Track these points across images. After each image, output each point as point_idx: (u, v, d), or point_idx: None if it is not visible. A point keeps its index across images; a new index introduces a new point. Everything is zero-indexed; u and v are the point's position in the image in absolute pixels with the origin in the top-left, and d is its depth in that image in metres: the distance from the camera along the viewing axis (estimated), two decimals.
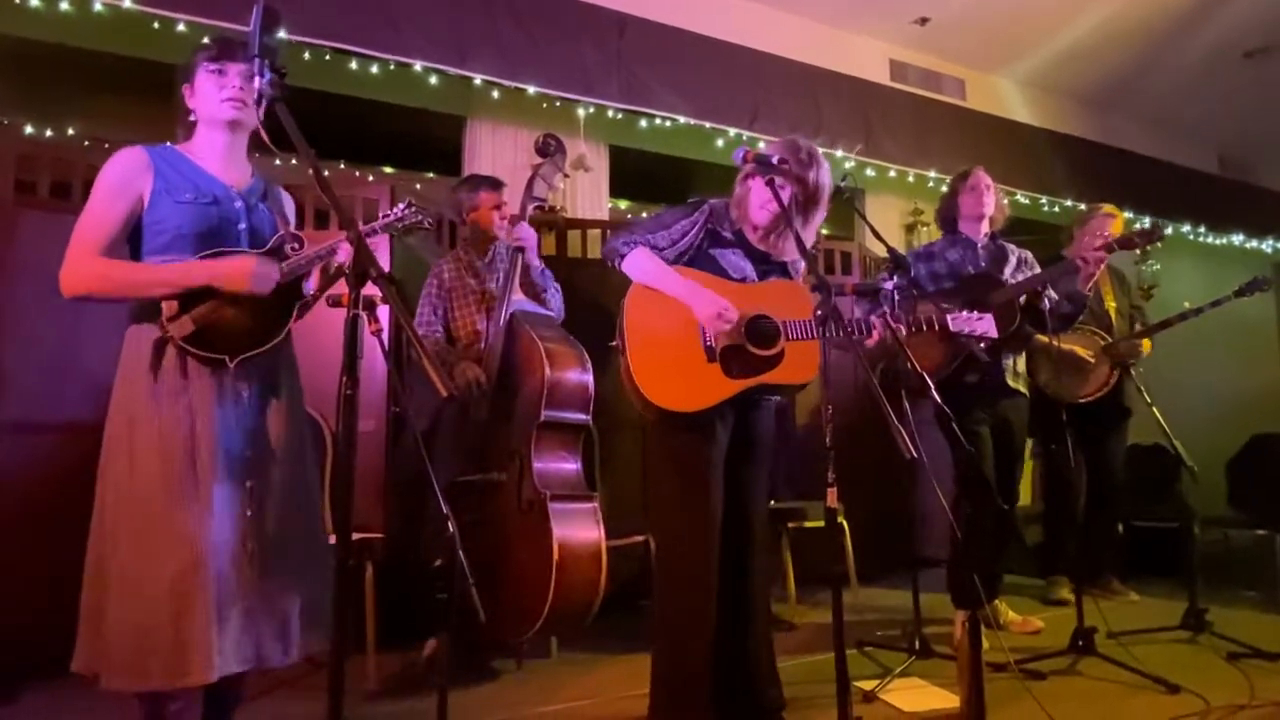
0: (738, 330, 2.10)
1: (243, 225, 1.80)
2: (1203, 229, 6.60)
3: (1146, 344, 3.60)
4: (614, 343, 2.14)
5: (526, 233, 2.93)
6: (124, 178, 1.73)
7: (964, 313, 2.20)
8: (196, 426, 1.67)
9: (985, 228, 3.15)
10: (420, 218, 1.82)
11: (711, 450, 2.12)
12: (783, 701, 2.19)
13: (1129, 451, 4.35)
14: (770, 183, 2.10)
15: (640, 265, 2.15)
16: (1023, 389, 3.09)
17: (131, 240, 1.76)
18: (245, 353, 1.71)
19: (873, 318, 2.16)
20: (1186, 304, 3.61)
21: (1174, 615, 3.07)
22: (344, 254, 1.80)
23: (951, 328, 2.15)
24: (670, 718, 2.07)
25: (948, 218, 3.23)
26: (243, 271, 1.70)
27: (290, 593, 1.73)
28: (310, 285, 1.85)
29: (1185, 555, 3.61)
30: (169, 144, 1.83)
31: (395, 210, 1.82)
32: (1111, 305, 3.75)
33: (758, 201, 2.18)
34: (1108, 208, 3.76)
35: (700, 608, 2.07)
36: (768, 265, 2.26)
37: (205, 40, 1.86)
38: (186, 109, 1.83)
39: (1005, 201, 3.25)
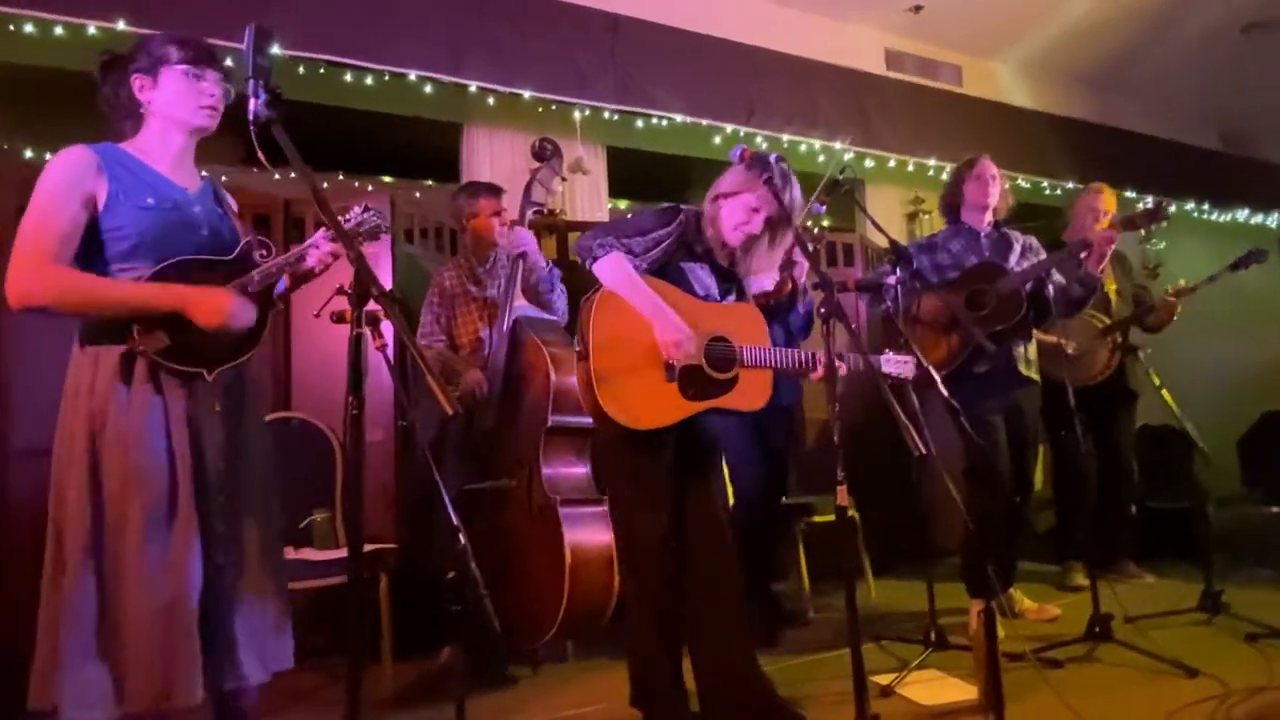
0: (697, 353, 2.11)
1: (204, 231, 1.73)
2: (1206, 206, 6.56)
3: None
4: (578, 347, 2.13)
5: (524, 236, 2.93)
6: (71, 178, 1.62)
7: (889, 354, 2.24)
8: (174, 444, 1.60)
9: (989, 217, 3.14)
10: (378, 221, 1.80)
11: (659, 464, 2.13)
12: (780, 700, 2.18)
13: (1140, 433, 4.33)
14: (769, 181, 2.09)
15: (612, 271, 2.12)
16: (1035, 376, 3.08)
17: (87, 247, 1.64)
18: (224, 364, 1.65)
19: (818, 354, 2.14)
20: (1183, 281, 3.60)
21: (1190, 597, 3.06)
22: (313, 258, 1.77)
23: (882, 368, 2.17)
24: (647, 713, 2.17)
25: (951, 205, 3.22)
26: (219, 310, 1.62)
27: (262, 607, 1.70)
28: (282, 285, 1.83)
29: (1200, 536, 3.58)
30: (112, 143, 1.73)
31: (353, 214, 1.78)
32: (1111, 287, 3.73)
33: (730, 223, 2.18)
34: (1096, 184, 3.75)
35: (651, 613, 2.14)
36: (729, 284, 2.29)
37: (176, 35, 1.76)
38: (134, 100, 1.72)
39: (1008, 188, 3.24)
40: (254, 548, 1.70)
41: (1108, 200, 3.64)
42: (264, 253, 1.75)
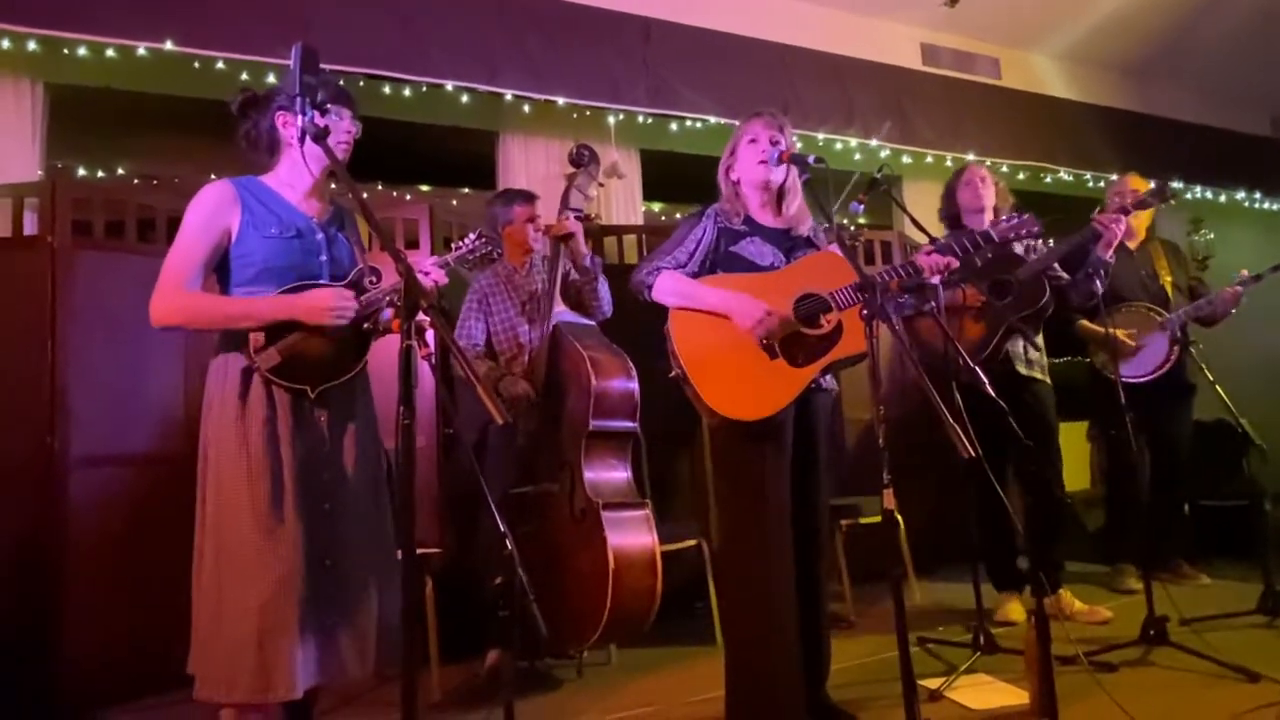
0: (788, 319, 2.08)
1: (324, 257, 1.88)
2: (1258, 195, 6.37)
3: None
4: (673, 373, 2.12)
5: (571, 223, 2.93)
6: (210, 213, 1.81)
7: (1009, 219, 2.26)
8: (282, 452, 1.75)
9: (989, 217, 3.15)
10: (490, 248, 1.87)
11: (782, 451, 2.11)
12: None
13: (1191, 428, 4.20)
14: (755, 114, 2.22)
15: (669, 289, 2.13)
16: (1038, 375, 3.10)
17: (221, 270, 1.85)
18: (326, 383, 1.80)
19: (914, 260, 2.18)
20: (1244, 272, 3.49)
21: (1248, 598, 2.98)
22: None
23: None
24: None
25: (950, 215, 3.28)
26: (321, 305, 1.77)
27: (366, 607, 1.82)
28: (387, 314, 1.93)
29: (1257, 534, 3.48)
30: (253, 176, 1.92)
31: (466, 242, 1.87)
32: (1167, 280, 3.63)
33: (751, 168, 2.21)
34: (1129, 177, 3.71)
35: (779, 609, 2.04)
36: (791, 243, 2.25)
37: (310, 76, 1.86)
38: (275, 134, 1.89)
39: (1004, 186, 3.30)
40: (361, 551, 1.82)
41: (1136, 183, 3.59)
42: (373, 279, 1.87)
